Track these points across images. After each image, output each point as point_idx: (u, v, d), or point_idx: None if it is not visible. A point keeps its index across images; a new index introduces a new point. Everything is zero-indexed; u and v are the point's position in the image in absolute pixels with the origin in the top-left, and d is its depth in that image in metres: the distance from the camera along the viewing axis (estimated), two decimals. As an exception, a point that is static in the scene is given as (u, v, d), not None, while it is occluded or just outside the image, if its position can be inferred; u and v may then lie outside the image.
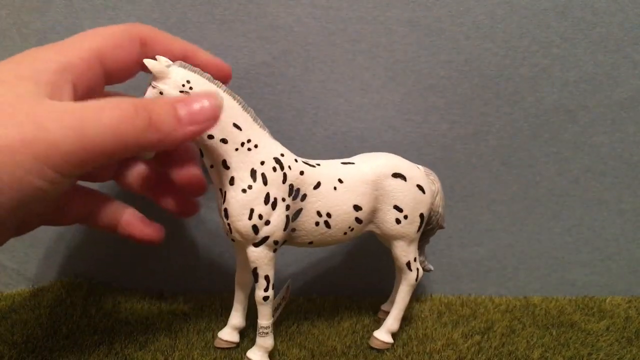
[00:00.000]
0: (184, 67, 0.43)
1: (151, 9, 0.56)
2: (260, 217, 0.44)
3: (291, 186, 0.46)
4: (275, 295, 0.49)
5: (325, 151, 0.60)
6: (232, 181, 0.44)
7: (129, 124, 0.33)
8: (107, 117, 0.32)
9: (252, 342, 0.50)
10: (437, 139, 0.61)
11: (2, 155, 0.28)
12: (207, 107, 0.37)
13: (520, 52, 0.58)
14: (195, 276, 0.63)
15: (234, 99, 0.45)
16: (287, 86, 0.58)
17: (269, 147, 0.46)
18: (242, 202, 0.44)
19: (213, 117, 0.37)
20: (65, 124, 0.30)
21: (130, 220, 0.46)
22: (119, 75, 0.42)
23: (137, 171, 0.46)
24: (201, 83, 0.43)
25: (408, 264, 0.52)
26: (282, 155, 0.46)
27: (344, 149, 0.60)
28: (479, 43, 0.58)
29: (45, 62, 0.34)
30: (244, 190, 0.44)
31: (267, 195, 0.44)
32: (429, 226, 0.54)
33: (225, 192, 0.45)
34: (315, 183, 0.47)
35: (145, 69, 0.42)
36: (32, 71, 0.33)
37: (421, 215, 0.51)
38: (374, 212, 0.50)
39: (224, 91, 0.44)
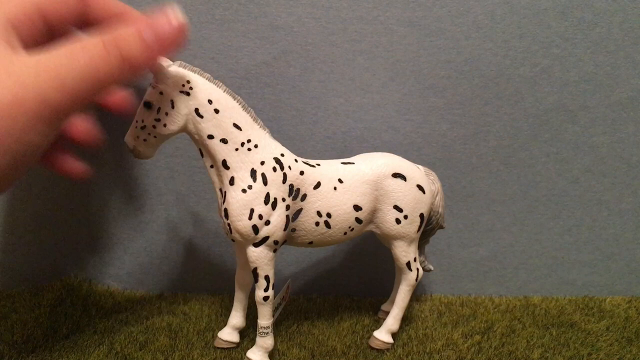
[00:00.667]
0: (184, 67, 0.43)
1: (150, 9, 0.56)
2: (261, 217, 0.44)
3: (291, 186, 0.46)
4: (275, 295, 0.49)
5: (325, 151, 0.60)
6: (232, 181, 0.44)
7: (103, 64, 0.33)
8: (82, 61, 0.32)
9: (252, 342, 0.50)
10: (437, 139, 0.61)
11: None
12: (173, 27, 0.36)
13: (520, 52, 0.58)
14: (195, 276, 0.63)
15: (234, 99, 0.45)
16: (287, 86, 0.58)
17: (269, 147, 0.46)
18: (242, 202, 0.44)
19: (180, 36, 0.36)
20: (46, 78, 0.31)
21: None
22: (59, 31, 0.40)
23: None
24: (201, 83, 0.43)
25: (408, 264, 0.52)
26: (282, 155, 0.46)
27: (344, 149, 0.60)
28: (479, 43, 0.58)
29: None
30: (244, 191, 0.44)
31: (267, 195, 0.44)
32: (429, 226, 0.54)
33: (225, 192, 0.45)
34: (315, 183, 0.47)
35: (83, 23, 0.41)
36: None
37: (421, 215, 0.51)
38: (374, 212, 0.50)
39: (224, 91, 0.44)
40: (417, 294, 0.65)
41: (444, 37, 0.58)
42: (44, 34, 0.38)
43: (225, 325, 0.52)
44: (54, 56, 0.32)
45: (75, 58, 0.32)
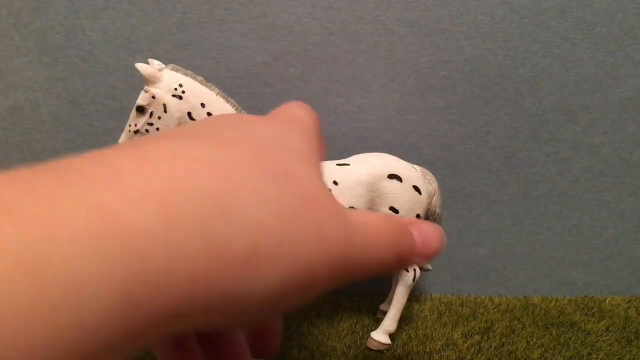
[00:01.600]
0: (176, 71, 0.43)
1: (151, 9, 0.56)
2: None
3: None
4: None
5: (325, 151, 0.60)
6: None
7: (395, 251, 0.28)
8: (382, 238, 0.27)
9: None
10: (437, 139, 0.61)
11: (311, 259, 0.22)
12: (437, 237, 0.33)
13: (520, 52, 0.58)
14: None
15: (227, 102, 0.45)
16: (287, 86, 0.58)
17: None
18: None
19: (439, 249, 0.33)
20: (362, 237, 0.24)
21: None
22: None
23: None
24: (193, 86, 0.43)
25: None
26: None
27: (343, 149, 0.60)
28: (479, 43, 0.58)
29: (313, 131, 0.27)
30: None
31: None
32: None
33: None
34: None
35: None
36: (314, 145, 0.26)
37: (417, 216, 0.51)
38: None
39: (217, 94, 0.44)
40: (417, 294, 0.65)
41: (444, 37, 0.58)
42: None
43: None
44: (371, 226, 0.27)
45: (380, 231, 0.28)
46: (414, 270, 0.53)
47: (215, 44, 0.57)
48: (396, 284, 0.54)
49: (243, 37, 0.57)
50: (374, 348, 0.52)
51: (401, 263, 0.28)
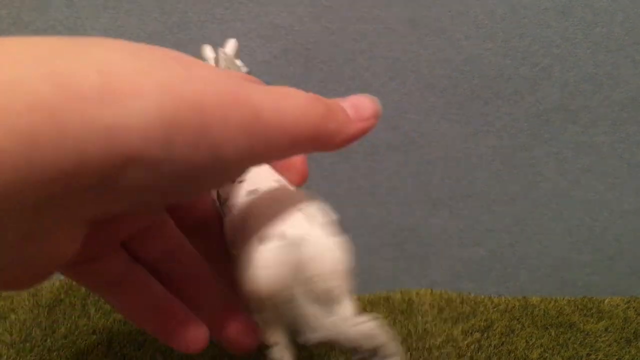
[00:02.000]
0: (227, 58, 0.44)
1: (151, 9, 0.56)
2: None
3: None
4: None
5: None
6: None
7: (312, 109, 0.28)
8: (294, 101, 0.27)
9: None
10: (437, 138, 0.61)
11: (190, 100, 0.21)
12: (369, 104, 0.33)
13: (520, 52, 0.58)
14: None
15: None
16: (287, 85, 0.58)
17: None
18: None
19: (375, 114, 0.33)
20: (266, 93, 0.26)
21: None
22: None
23: None
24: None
25: None
26: None
27: (344, 149, 0.60)
28: (479, 43, 0.58)
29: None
30: None
31: None
32: None
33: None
34: None
35: None
36: None
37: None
38: None
39: None
40: (417, 288, 0.65)
41: (443, 36, 0.58)
42: None
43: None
44: (287, 93, 0.28)
45: (289, 97, 0.27)
46: None
47: (215, 43, 0.57)
48: None
49: (243, 36, 0.57)
50: None
51: (337, 133, 0.29)
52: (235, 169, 0.26)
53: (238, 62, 0.45)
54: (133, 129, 0.19)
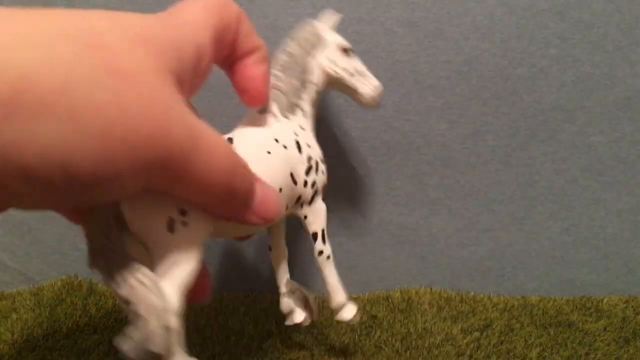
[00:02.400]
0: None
1: (152, 9, 0.56)
2: None
3: None
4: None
5: (325, 151, 0.60)
6: None
7: (227, 180, 0.28)
8: (218, 157, 0.27)
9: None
10: (436, 138, 0.61)
11: (107, 132, 0.21)
12: (276, 201, 0.33)
13: (518, 53, 0.59)
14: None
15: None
16: (286, 86, 0.58)
17: None
18: None
19: (276, 213, 0.33)
20: (186, 137, 0.25)
21: None
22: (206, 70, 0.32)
23: None
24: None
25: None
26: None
27: (344, 149, 0.60)
28: (477, 44, 0.58)
29: (183, 48, 0.27)
30: None
31: None
32: None
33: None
34: None
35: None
36: (165, 58, 0.25)
37: None
38: None
39: None
40: (417, 287, 0.65)
41: (442, 37, 0.58)
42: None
43: (223, 325, 0.52)
44: (207, 138, 0.27)
45: (216, 153, 0.27)
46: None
47: (215, 44, 0.57)
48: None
49: (243, 37, 0.57)
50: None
51: (233, 202, 0.29)
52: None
53: (333, 35, 0.48)
54: (29, 148, 0.19)
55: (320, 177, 0.46)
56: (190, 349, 0.50)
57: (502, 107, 0.60)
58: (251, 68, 0.36)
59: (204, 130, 0.27)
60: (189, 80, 0.27)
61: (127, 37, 0.23)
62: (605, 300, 0.64)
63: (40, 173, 0.20)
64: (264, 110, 0.44)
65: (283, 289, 0.49)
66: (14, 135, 0.19)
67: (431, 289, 0.65)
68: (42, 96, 0.19)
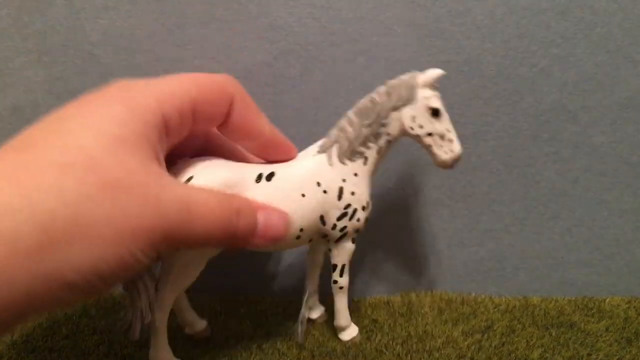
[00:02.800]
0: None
1: (151, 9, 0.56)
2: None
3: None
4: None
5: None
6: None
7: (225, 227, 0.32)
8: (211, 214, 0.31)
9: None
10: (437, 139, 0.61)
11: (118, 237, 0.26)
12: (281, 223, 0.37)
13: (519, 52, 0.58)
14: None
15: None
16: (287, 86, 0.58)
17: None
18: None
19: (282, 234, 0.38)
20: (178, 211, 0.29)
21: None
22: (192, 135, 0.37)
23: None
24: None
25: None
26: None
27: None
28: (478, 43, 0.58)
29: (148, 113, 0.30)
30: None
31: None
32: None
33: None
34: None
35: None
36: (139, 127, 0.29)
37: None
38: None
39: None
40: (417, 290, 0.65)
41: (443, 37, 0.58)
42: (181, 136, 0.36)
43: (224, 326, 0.52)
44: (192, 194, 0.31)
45: (208, 208, 0.31)
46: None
47: (215, 43, 0.57)
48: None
49: (243, 37, 0.57)
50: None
51: (236, 240, 0.34)
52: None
53: (427, 92, 0.47)
54: (65, 268, 0.24)
55: (353, 223, 0.48)
56: (190, 350, 0.50)
57: (503, 107, 0.60)
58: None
59: (193, 194, 0.31)
60: (164, 142, 0.32)
61: (107, 141, 0.27)
62: (607, 301, 0.64)
63: (78, 283, 0.25)
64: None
65: (306, 296, 0.54)
66: (53, 262, 0.24)
67: (432, 291, 0.65)
68: (68, 232, 0.24)
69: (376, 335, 0.54)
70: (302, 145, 0.59)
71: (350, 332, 0.54)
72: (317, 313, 0.58)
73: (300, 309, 0.52)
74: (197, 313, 0.57)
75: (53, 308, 0.26)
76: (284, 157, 0.45)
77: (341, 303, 0.53)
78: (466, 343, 0.53)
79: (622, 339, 0.55)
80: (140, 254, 0.27)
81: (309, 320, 0.56)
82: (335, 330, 0.55)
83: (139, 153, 0.28)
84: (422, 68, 0.59)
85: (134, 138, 0.29)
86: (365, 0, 0.56)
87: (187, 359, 0.49)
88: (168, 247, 0.29)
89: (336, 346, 0.52)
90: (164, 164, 0.32)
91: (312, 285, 0.56)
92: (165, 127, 0.32)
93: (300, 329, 0.52)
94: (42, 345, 0.49)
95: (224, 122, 0.39)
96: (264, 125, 0.42)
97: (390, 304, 0.61)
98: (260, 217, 0.35)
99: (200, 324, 0.54)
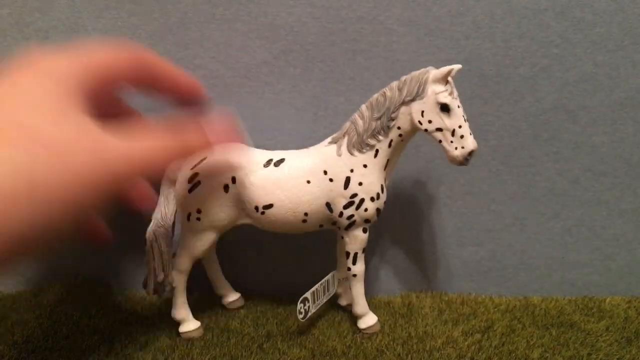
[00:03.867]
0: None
1: (152, 9, 0.56)
2: None
3: None
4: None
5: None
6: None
7: (167, 153, 0.35)
8: (151, 147, 0.33)
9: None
10: (437, 138, 0.61)
11: (71, 195, 0.28)
12: (230, 128, 0.38)
13: (519, 52, 0.58)
14: (195, 277, 0.63)
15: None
16: (287, 85, 0.58)
17: None
18: None
19: (234, 137, 0.39)
20: (121, 154, 0.31)
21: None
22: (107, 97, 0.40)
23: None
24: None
25: None
26: None
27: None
28: (478, 43, 0.58)
29: (70, 79, 0.33)
30: None
31: None
32: None
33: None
34: None
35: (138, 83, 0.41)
36: (67, 94, 0.32)
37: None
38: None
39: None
40: (417, 290, 0.65)
41: (443, 36, 0.58)
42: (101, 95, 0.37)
43: (223, 326, 0.52)
44: (142, 148, 0.33)
45: (148, 142, 0.33)
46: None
47: (215, 43, 0.57)
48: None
49: (243, 36, 0.57)
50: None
51: (188, 149, 0.35)
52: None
53: (437, 88, 0.47)
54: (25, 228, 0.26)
55: (360, 213, 0.51)
56: (192, 350, 0.50)
57: (503, 107, 0.60)
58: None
59: (135, 140, 0.33)
60: (91, 100, 0.34)
61: (45, 113, 0.30)
62: (607, 301, 0.64)
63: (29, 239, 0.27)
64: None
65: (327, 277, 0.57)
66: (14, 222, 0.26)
67: (432, 292, 0.65)
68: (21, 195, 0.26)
69: (377, 336, 0.54)
70: (302, 145, 0.59)
71: (367, 321, 0.55)
72: (345, 300, 0.60)
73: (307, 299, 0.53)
74: (198, 313, 0.57)
75: (20, 258, 0.28)
76: (195, 97, 0.45)
77: (356, 290, 0.55)
78: (466, 343, 0.53)
79: (622, 338, 0.55)
80: (89, 202, 0.30)
81: (339, 306, 0.60)
82: (337, 330, 0.55)
83: (75, 117, 0.31)
84: (422, 67, 0.59)
85: (66, 105, 0.31)
86: (365, 0, 0.56)
87: (187, 358, 0.49)
88: (117, 185, 0.32)
89: (336, 346, 0.52)
90: (96, 121, 0.34)
91: (340, 272, 0.58)
92: (89, 87, 0.34)
93: (303, 307, 0.52)
94: (43, 346, 0.49)
95: (137, 81, 0.40)
96: (178, 76, 0.43)
97: (391, 305, 0.61)
98: (205, 129, 0.37)
99: (234, 295, 0.60)
